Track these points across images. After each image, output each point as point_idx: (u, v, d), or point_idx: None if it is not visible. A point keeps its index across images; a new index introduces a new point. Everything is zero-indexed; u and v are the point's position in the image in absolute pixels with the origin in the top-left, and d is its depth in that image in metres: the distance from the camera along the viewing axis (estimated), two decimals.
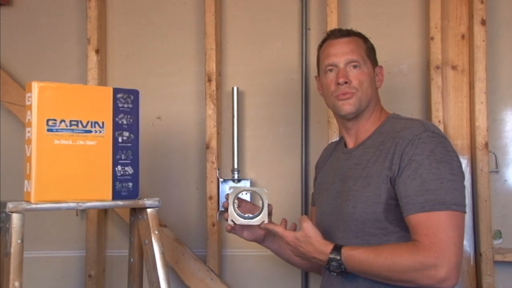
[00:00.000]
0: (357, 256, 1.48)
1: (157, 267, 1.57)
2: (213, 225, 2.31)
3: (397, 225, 1.52)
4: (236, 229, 1.74)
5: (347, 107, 1.64)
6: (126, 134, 1.60)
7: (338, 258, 1.49)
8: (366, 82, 1.63)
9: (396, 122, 1.62)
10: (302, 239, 1.54)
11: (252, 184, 2.34)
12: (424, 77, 2.29)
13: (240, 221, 1.68)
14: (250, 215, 1.68)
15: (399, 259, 1.44)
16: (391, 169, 1.52)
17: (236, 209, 1.68)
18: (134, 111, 1.61)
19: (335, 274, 1.52)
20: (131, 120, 1.60)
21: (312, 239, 1.53)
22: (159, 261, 1.58)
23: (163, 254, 1.59)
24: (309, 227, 1.55)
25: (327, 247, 1.52)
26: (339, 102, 1.65)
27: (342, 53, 1.65)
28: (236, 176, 2.33)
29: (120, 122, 1.59)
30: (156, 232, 1.60)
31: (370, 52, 1.68)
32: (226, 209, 1.70)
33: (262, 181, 2.37)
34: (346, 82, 1.63)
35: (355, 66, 1.63)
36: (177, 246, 2.34)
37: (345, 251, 1.49)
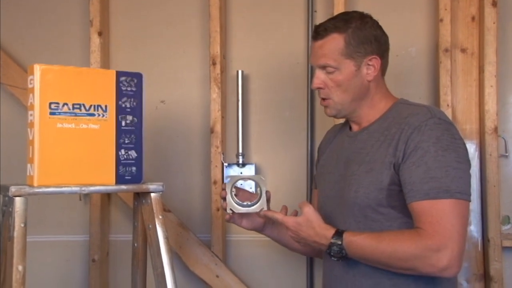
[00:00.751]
0: (358, 242, 1.49)
1: (161, 252, 1.58)
2: (218, 210, 2.32)
3: (400, 211, 1.52)
4: (235, 218, 1.75)
5: (328, 110, 1.68)
6: (129, 117, 1.60)
7: (340, 243, 1.50)
8: (343, 86, 1.61)
9: (403, 108, 1.62)
10: (303, 223, 1.55)
11: (256, 169, 2.34)
12: (433, 60, 2.28)
13: (239, 209, 1.69)
14: (249, 203, 1.69)
15: (400, 246, 1.45)
16: (395, 155, 1.52)
17: (234, 197, 1.69)
18: (137, 95, 1.61)
19: (335, 259, 1.53)
20: (134, 104, 1.61)
21: (313, 223, 1.54)
22: (163, 246, 1.59)
23: (167, 239, 1.60)
24: (310, 212, 1.56)
25: (329, 231, 1.53)
26: (322, 106, 1.69)
27: (315, 57, 1.64)
28: (240, 161, 2.33)
29: (123, 105, 1.59)
30: (160, 217, 1.61)
31: (356, 47, 1.60)
32: (224, 199, 1.71)
33: (266, 166, 2.38)
34: (320, 88, 1.65)
35: (328, 71, 1.62)
36: (181, 231, 2.36)
37: (346, 236, 1.50)
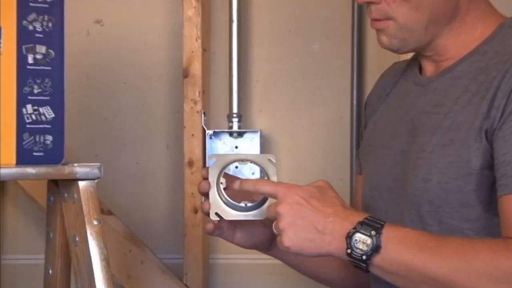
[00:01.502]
0: (409, 235, 1.47)
1: (96, 283, 1.58)
2: (195, 211, 2.34)
3: (497, 213, 1.52)
4: (224, 229, 1.72)
5: (383, 39, 1.67)
6: (41, 49, 1.60)
7: (376, 226, 1.46)
8: (408, 3, 1.61)
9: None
10: (317, 192, 1.52)
11: (263, 141, 2.34)
12: None
13: (232, 215, 1.65)
14: (248, 204, 1.65)
15: (472, 258, 1.43)
16: (489, 116, 1.51)
17: (223, 193, 1.67)
18: (55, 10, 1.60)
19: (357, 255, 1.47)
20: (49, 25, 1.60)
21: (334, 199, 1.52)
22: (99, 273, 1.59)
23: (106, 261, 1.60)
24: (329, 185, 1.55)
25: (359, 212, 1.52)
26: (375, 30, 1.69)
27: None
28: (235, 127, 2.33)
29: (30, 28, 1.58)
30: (95, 223, 1.61)
31: None
32: (206, 195, 1.68)
33: (280, 136, 2.41)
34: (372, 2, 1.64)
35: None
36: (131, 248, 2.37)
37: (388, 225, 1.47)
